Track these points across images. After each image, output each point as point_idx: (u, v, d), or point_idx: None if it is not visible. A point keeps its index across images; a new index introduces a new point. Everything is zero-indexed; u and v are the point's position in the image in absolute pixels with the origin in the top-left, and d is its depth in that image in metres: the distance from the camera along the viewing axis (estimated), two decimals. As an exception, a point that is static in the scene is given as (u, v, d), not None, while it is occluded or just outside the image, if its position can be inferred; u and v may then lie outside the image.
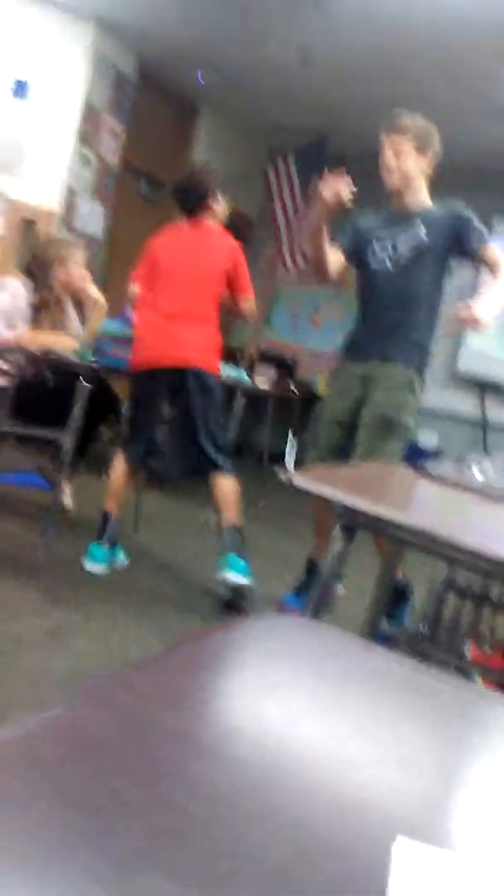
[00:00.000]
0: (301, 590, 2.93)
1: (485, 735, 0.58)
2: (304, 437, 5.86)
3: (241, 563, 2.83)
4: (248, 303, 3.10)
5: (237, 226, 3.59)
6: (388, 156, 2.64)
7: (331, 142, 6.08)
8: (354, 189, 2.53)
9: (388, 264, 2.72)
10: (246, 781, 0.41)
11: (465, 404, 6.60)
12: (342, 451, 2.73)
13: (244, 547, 2.89)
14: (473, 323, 2.45)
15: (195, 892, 0.31)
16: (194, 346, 2.95)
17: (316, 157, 6.10)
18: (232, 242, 3.07)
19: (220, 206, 3.11)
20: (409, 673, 0.62)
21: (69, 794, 0.35)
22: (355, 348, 2.82)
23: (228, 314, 3.22)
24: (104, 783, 0.36)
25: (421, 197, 2.71)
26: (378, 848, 0.40)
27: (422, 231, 2.67)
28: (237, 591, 2.82)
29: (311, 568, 2.92)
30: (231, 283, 3.04)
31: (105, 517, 3.03)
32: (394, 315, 2.71)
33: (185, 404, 2.99)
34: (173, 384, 2.98)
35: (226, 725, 0.47)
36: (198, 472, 3.08)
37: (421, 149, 2.64)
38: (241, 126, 6.76)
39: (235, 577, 2.80)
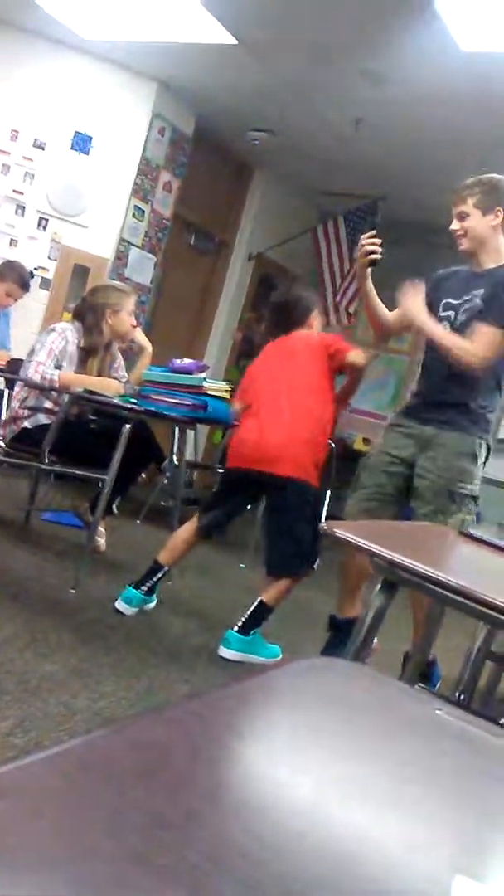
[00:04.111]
0: (326, 650, 2.88)
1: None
2: (342, 491, 5.86)
3: (237, 638, 2.80)
4: (351, 354, 3.03)
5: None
6: (454, 222, 2.62)
7: (381, 206, 6.20)
8: (381, 249, 2.57)
9: (448, 329, 2.66)
10: (313, 813, 0.42)
11: (504, 472, 6.56)
12: (387, 500, 2.69)
13: (261, 623, 2.86)
14: (405, 301, 2.64)
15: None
16: (284, 455, 2.90)
17: (365, 221, 6.23)
18: (319, 336, 3.10)
19: (319, 321, 3.17)
20: (454, 720, 0.62)
21: (145, 807, 0.36)
22: (414, 408, 2.76)
23: (351, 385, 3.20)
24: (177, 799, 0.37)
25: (497, 255, 2.63)
26: (438, 888, 0.40)
27: (479, 294, 2.61)
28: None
29: (334, 626, 2.86)
30: (333, 356, 3.01)
31: (155, 566, 2.99)
32: (450, 381, 2.64)
33: (273, 507, 3.04)
34: (264, 485, 3.00)
35: (291, 759, 0.47)
36: (276, 571, 2.96)
37: (486, 207, 2.57)
38: (294, 188, 6.93)
39: (226, 653, 2.79)
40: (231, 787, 0.43)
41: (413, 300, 2.65)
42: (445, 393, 2.66)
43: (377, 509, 2.71)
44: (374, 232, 2.59)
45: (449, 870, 0.42)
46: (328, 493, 6.38)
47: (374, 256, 2.58)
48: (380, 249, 2.60)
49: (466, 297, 2.65)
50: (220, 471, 3.25)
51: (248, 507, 3.19)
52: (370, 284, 2.75)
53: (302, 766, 0.48)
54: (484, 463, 2.69)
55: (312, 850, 0.39)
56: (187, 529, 3.05)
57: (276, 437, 2.92)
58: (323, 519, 5.92)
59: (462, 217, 2.60)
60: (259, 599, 2.87)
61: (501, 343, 2.54)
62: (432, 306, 2.71)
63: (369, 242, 2.58)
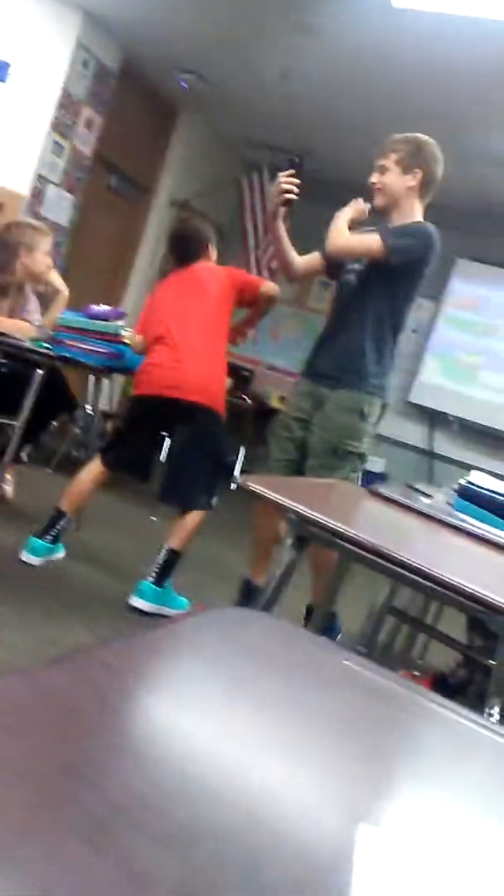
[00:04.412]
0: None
1: (426, 725, 0.59)
2: (257, 449, 5.89)
3: (152, 589, 2.79)
4: (266, 285, 3.12)
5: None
6: (374, 174, 2.62)
7: (307, 163, 6.15)
8: (297, 191, 2.56)
9: (353, 279, 2.67)
10: (220, 764, 0.42)
11: (413, 433, 6.77)
12: (295, 467, 2.69)
13: (172, 571, 2.86)
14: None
15: (177, 855, 0.31)
16: (200, 384, 2.91)
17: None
18: (224, 268, 3.16)
19: (214, 254, 3.17)
20: (361, 671, 0.63)
21: (50, 757, 0.35)
22: (312, 366, 2.76)
23: (261, 312, 3.23)
24: (83, 750, 0.37)
25: (408, 217, 2.62)
26: (343, 837, 0.41)
27: None
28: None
29: (247, 590, 2.83)
30: (243, 291, 3.06)
31: (58, 513, 2.93)
32: (347, 335, 2.65)
33: (183, 437, 3.01)
34: (174, 415, 2.96)
35: (200, 709, 0.47)
36: (174, 501, 3.02)
37: (406, 166, 2.57)
38: (219, 135, 6.79)
39: (140, 604, 2.78)
40: (138, 737, 0.42)
41: (346, 210, 2.66)
42: (338, 346, 2.67)
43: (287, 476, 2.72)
44: (292, 171, 2.56)
45: (354, 818, 0.43)
46: (243, 447, 6.42)
47: (289, 196, 2.55)
48: (296, 189, 2.57)
49: None
50: (129, 402, 3.21)
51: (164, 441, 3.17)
52: (283, 227, 2.70)
53: (211, 716, 0.47)
54: (377, 421, 2.70)
55: (218, 801, 0.39)
56: (90, 472, 3.00)
57: (194, 367, 2.92)
58: (239, 473, 5.93)
59: (382, 171, 2.61)
60: (168, 548, 2.86)
61: (372, 251, 2.57)
62: (344, 260, 2.72)
63: (286, 181, 2.55)
